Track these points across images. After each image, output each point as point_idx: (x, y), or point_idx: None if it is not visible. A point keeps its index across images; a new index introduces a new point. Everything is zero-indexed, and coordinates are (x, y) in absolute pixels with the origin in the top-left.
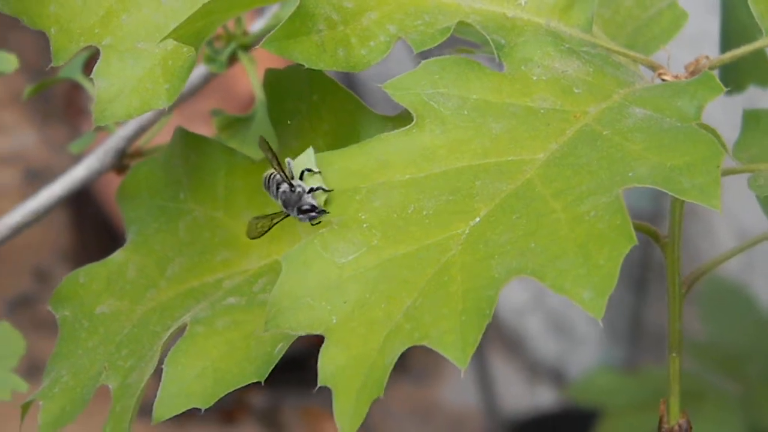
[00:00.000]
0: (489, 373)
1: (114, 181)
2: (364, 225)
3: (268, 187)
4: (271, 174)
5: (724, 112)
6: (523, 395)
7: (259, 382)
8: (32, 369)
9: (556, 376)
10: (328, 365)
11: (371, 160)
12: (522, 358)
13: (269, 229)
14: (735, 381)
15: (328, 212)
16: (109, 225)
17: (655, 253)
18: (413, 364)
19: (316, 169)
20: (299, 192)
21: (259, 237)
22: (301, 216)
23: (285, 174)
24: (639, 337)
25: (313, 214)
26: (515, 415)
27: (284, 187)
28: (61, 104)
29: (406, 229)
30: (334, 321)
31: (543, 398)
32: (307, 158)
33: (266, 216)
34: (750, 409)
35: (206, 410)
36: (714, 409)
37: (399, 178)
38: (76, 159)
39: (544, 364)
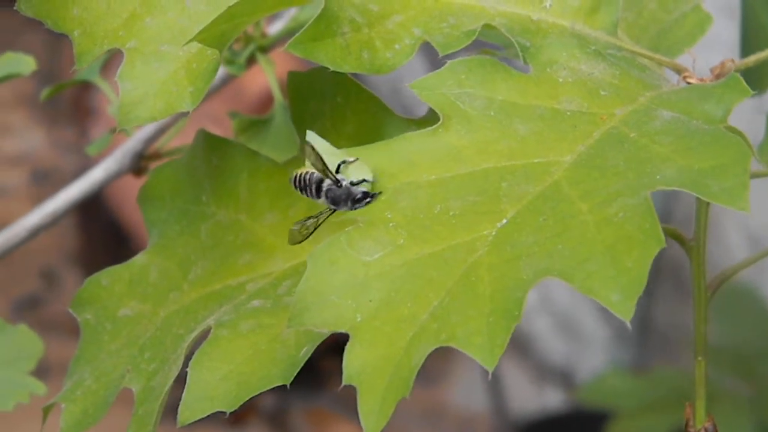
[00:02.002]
0: (497, 375)
1: (123, 185)
2: (390, 224)
3: (303, 188)
4: (303, 174)
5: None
6: (532, 397)
7: None
8: (40, 372)
9: (564, 378)
10: (353, 363)
11: (397, 160)
12: (530, 360)
13: (315, 229)
14: (746, 383)
15: (381, 193)
16: (117, 228)
17: (664, 256)
18: (422, 366)
19: (351, 159)
20: (346, 186)
21: (305, 240)
22: (357, 206)
23: (331, 171)
24: (647, 338)
25: (369, 200)
26: (523, 416)
27: (327, 184)
28: (70, 106)
29: (433, 229)
30: (359, 319)
31: (551, 400)
32: (324, 147)
33: (307, 219)
34: (761, 410)
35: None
36: (725, 411)
37: (425, 178)
38: (84, 161)
39: (553, 365)
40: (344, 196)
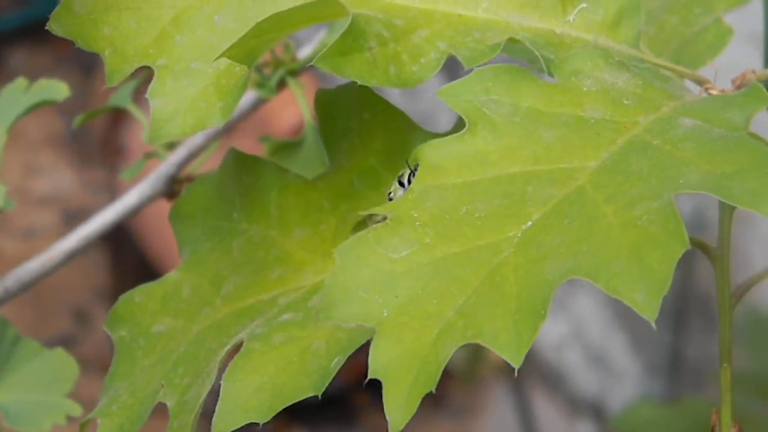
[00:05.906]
0: (528, 408)
1: (152, 222)
2: (417, 223)
3: None
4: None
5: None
6: (563, 430)
7: (298, 417)
8: None
9: (595, 411)
10: (379, 358)
11: (424, 164)
12: (561, 393)
13: None
14: None
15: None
16: (147, 264)
17: (693, 286)
18: (451, 400)
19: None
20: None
21: None
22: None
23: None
24: (678, 370)
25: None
26: None
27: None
28: (99, 145)
29: (459, 229)
30: (386, 314)
31: None
32: None
33: None
34: None
35: None
36: None
37: (452, 182)
38: (114, 200)
39: (584, 398)
40: None
